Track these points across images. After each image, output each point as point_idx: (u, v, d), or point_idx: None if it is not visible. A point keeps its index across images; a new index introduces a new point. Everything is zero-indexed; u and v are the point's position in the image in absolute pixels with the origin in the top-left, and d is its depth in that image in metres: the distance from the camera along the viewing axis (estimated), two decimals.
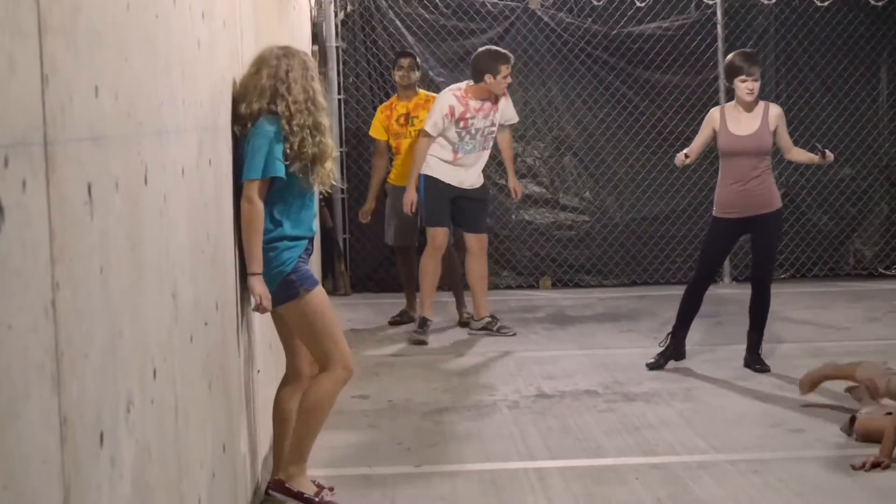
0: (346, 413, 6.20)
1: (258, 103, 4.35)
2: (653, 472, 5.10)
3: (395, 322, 8.70)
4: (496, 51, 8.11)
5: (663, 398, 6.35)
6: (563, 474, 5.10)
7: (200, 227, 3.55)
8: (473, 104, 7.99)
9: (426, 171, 8.04)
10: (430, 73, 10.00)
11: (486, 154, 8.16)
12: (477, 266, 8.20)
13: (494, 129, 8.10)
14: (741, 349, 7.50)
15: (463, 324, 8.50)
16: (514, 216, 10.31)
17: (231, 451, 4.00)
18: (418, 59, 8.89)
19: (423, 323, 8.05)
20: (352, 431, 5.83)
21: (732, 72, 6.87)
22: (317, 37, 9.75)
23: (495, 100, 8.04)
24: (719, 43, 10.27)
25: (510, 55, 8.17)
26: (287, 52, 4.47)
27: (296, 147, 4.34)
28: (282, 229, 4.42)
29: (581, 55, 10.27)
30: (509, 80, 8.09)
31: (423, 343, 7.87)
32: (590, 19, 10.30)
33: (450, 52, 10.20)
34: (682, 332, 7.14)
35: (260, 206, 4.31)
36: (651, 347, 7.60)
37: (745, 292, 9.82)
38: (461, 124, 7.97)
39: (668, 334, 7.19)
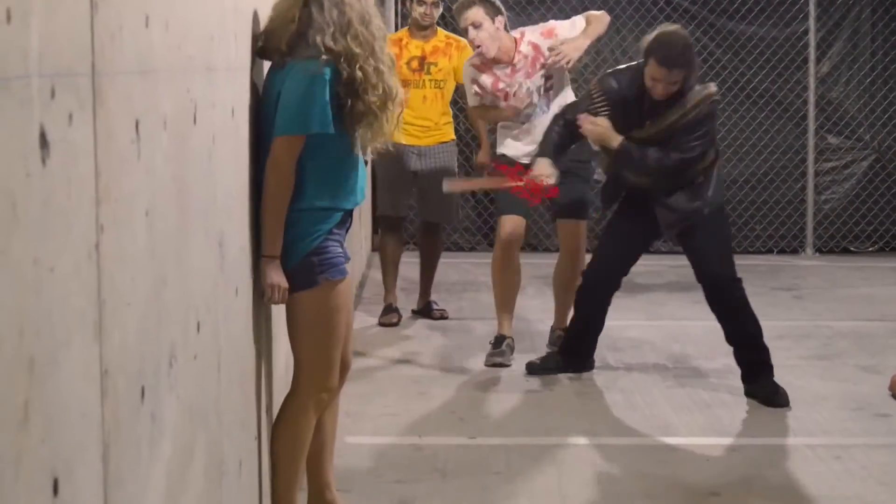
0: (394, 379, 6.22)
1: (331, 41, 3.56)
2: (726, 454, 5.08)
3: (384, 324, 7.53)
4: None
5: (738, 375, 6.30)
6: (628, 452, 5.09)
7: (249, 173, 3.55)
8: (501, 71, 6.46)
9: (500, 149, 6.62)
10: None
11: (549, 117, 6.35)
12: (562, 268, 6.67)
13: (552, 80, 6.46)
14: (823, 325, 7.46)
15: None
16: None
17: (275, 413, 4.01)
18: None
19: (501, 341, 6.59)
20: (401, 398, 5.85)
21: None
22: None
23: (535, 49, 6.42)
24: None
25: None
26: None
27: (354, 96, 3.59)
28: (309, 197, 3.67)
29: (659, 2, 10.16)
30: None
31: (504, 366, 6.46)
32: None
33: None
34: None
35: (292, 171, 3.59)
36: None
37: (828, 265, 9.81)
38: (506, 101, 6.48)
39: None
